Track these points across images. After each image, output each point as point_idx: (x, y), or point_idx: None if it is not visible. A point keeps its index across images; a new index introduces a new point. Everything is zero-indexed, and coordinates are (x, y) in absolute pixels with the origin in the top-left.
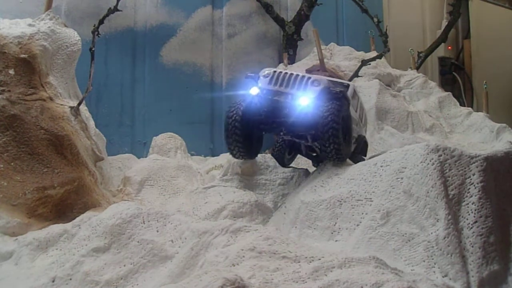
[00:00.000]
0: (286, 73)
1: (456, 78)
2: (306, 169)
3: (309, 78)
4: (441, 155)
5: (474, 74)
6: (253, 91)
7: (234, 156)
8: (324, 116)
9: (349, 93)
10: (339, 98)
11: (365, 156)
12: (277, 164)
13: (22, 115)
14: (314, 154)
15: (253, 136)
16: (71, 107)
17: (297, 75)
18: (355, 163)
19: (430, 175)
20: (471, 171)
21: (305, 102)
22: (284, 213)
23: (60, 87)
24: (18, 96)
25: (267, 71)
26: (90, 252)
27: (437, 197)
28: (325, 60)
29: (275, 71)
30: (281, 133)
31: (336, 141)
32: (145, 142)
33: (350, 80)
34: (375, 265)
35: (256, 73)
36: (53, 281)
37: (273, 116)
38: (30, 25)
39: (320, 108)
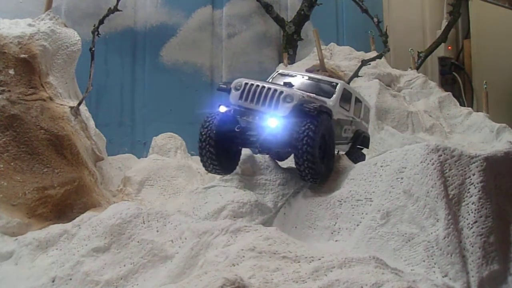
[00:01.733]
0: (257, 86)
1: (456, 78)
2: None
3: (281, 93)
4: (441, 155)
5: (474, 74)
6: (221, 109)
7: (208, 170)
8: (299, 138)
9: (334, 98)
10: (315, 115)
11: (368, 147)
12: (277, 164)
13: (22, 115)
14: None
15: (230, 151)
16: (71, 107)
17: (269, 88)
18: (354, 157)
19: (430, 175)
20: (471, 171)
21: (273, 123)
22: (284, 213)
23: (60, 87)
24: (18, 96)
25: (239, 82)
26: (90, 252)
27: (437, 197)
28: (325, 60)
29: (246, 83)
30: (257, 150)
31: (311, 163)
32: (145, 142)
33: (350, 80)
34: (375, 265)
35: (230, 83)
36: (53, 281)
37: (245, 133)
38: (30, 25)
39: (294, 128)
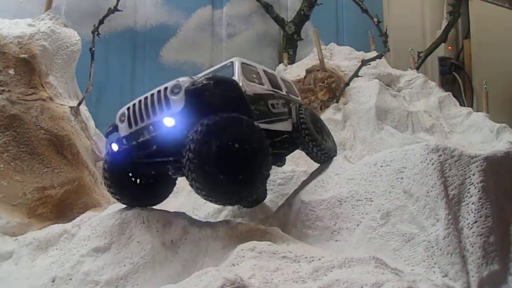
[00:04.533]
0: (140, 101)
1: (456, 78)
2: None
3: (166, 88)
4: (441, 155)
5: (474, 74)
6: (114, 147)
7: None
8: (184, 142)
9: (236, 74)
10: (217, 95)
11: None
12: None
13: (22, 115)
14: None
15: (142, 181)
16: (71, 107)
17: (152, 94)
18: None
19: (430, 175)
20: (471, 171)
21: (169, 122)
22: (284, 213)
23: (60, 87)
24: (18, 96)
25: (122, 112)
26: (90, 252)
27: (437, 197)
28: (325, 60)
29: (129, 108)
30: (170, 173)
31: (194, 173)
32: None
33: (350, 80)
34: (375, 265)
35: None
36: (53, 281)
37: (149, 158)
38: (30, 25)
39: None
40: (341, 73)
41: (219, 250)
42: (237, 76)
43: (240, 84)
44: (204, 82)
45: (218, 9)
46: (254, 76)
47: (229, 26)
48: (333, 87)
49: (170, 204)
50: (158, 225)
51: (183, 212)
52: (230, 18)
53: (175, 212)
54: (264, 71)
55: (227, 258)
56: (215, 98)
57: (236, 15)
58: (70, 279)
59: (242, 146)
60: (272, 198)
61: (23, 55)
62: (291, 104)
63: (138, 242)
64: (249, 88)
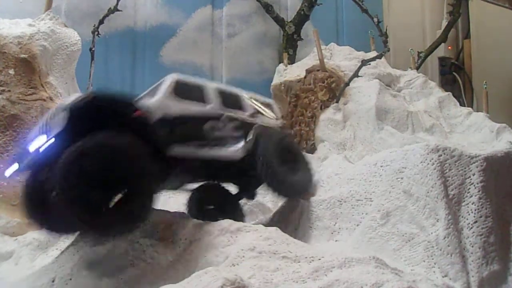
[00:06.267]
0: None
1: (456, 78)
2: None
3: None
4: (441, 155)
5: (474, 74)
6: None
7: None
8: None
9: (160, 93)
10: (99, 113)
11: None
12: None
13: (22, 115)
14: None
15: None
16: None
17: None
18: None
19: (430, 175)
20: (471, 171)
21: (38, 143)
22: (284, 213)
23: (60, 87)
24: (18, 96)
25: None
26: (90, 252)
27: (437, 197)
28: (325, 60)
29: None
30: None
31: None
32: None
33: (350, 80)
34: (375, 265)
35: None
36: (53, 281)
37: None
38: (30, 25)
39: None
40: (341, 73)
41: (219, 250)
42: (160, 94)
43: (157, 104)
44: (80, 99)
45: (218, 9)
46: (195, 94)
47: (229, 26)
48: (333, 87)
49: (170, 204)
50: (158, 226)
51: (183, 212)
52: (230, 18)
53: (175, 212)
54: (220, 90)
55: (227, 258)
56: (94, 118)
57: (236, 15)
58: (70, 279)
59: (100, 173)
60: (272, 198)
61: (23, 55)
62: (254, 127)
63: (138, 242)
64: (177, 107)
